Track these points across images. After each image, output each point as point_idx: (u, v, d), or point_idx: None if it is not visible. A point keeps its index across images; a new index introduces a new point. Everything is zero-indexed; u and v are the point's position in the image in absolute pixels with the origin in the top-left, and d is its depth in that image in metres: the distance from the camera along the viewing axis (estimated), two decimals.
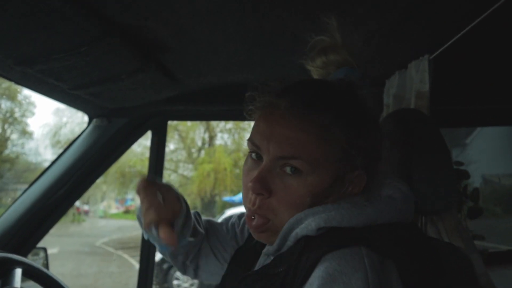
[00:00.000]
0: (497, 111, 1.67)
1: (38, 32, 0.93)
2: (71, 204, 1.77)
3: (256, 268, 0.86)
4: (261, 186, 0.74)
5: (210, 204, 16.57)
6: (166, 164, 16.99)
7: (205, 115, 1.89)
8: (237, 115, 1.84)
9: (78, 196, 1.78)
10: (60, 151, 1.80)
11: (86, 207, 20.79)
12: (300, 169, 0.72)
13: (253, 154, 0.79)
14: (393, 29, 1.16)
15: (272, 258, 0.80)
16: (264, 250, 0.83)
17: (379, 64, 1.46)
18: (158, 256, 8.22)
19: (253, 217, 0.78)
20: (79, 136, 1.76)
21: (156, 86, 1.48)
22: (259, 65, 1.41)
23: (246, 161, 0.82)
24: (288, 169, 0.73)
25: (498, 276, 1.73)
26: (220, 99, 1.70)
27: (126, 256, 11.45)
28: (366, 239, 0.69)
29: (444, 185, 0.95)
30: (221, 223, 1.09)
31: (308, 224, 0.72)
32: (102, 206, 22.29)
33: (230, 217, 1.11)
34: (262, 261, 0.86)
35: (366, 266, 0.64)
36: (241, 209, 0.97)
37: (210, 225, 1.08)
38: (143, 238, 1.85)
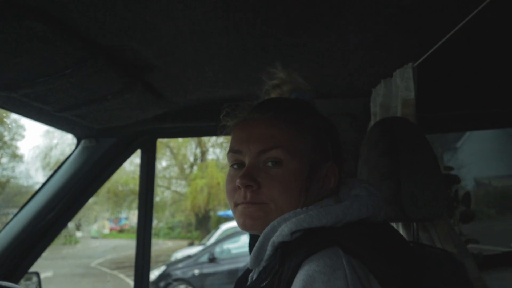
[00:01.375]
0: (482, 116, 1.69)
1: (21, 57, 0.93)
2: (62, 226, 1.75)
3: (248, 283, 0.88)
4: (249, 179, 0.79)
5: (205, 219, 16.45)
6: (159, 182, 16.88)
7: (195, 131, 1.89)
8: (226, 130, 1.86)
9: (69, 218, 1.76)
10: (51, 173, 1.78)
11: (79, 233, 20.55)
12: (280, 158, 0.80)
13: (235, 165, 0.85)
14: (376, 39, 1.17)
15: (256, 273, 0.83)
16: (248, 263, 0.85)
17: (364, 74, 1.47)
18: (154, 275, 8.13)
19: (247, 205, 0.81)
20: (68, 157, 1.74)
21: (143, 105, 1.48)
22: (245, 80, 1.41)
23: (228, 175, 0.87)
24: (270, 163, 0.81)
25: (494, 279, 1.73)
26: (209, 115, 1.70)
27: (122, 275, 11.28)
28: (339, 240, 0.72)
29: (433, 192, 0.95)
30: None
31: (282, 230, 0.76)
32: (95, 226, 22.03)
33: None
34: (251, 275, 0.88)
35: (344, 265, 0.66)
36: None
37: None
38: (137, 256, 1.83)
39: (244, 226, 0.83)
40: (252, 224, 0.82)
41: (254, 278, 0.85)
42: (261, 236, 0.79)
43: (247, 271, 0.97)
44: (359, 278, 0.66)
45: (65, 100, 1.22)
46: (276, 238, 0.77)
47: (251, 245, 1.03)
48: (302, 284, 0.65)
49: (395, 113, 1.38)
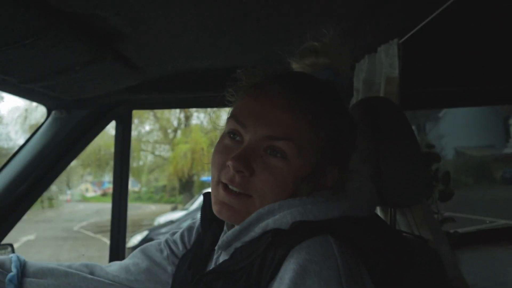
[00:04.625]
0: (464, 93, 1.67)
1: None
2: (34, 199, 1.70)
3: (212, 266, 0.81)
4: (243, 164, 0.71)
5: (188, 184, 16.53)
6: (142, 146, 16.79)
7: (171, 103, 1.82)
8: (205, 102, 1.80)
9: (42, 190, 1.71)
10: (22, 143, 1.72)
11: (67, 196, 20.47)
12: (285, 152, 0.71)
13: (232, 135, 0.76)
14: (362, 12, 1.12)
15: (226, 254, 0.76)
16: (219, 243, 0.78)
17: (346, 46, 1.42)
18: (136, 239, 8.19)
19: (230, 194, 0.73)
20: (38, 128, 1.67)
21: (116, 76, 1.40)
22: (223, 51, 1.35)
23: (219, 142, 0.78)
24: (271, 152, 0.72)
25: (469, 259, 1.76)
26: (186, 86, 1.64)
27: (105, 239, 11.36)
28: (332, 228, 0.68)
29: (412, 179, 0.92)
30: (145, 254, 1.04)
31: (283, 216, 0.70)
32: (78, 189, 21.98)
33: (159, 241, 1.06)
34: (216, 257, 0.82)
35: (336, 253, 0.62)
36: None
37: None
38: (112, 219, 1.79)
39: (219, 214, 0.76)
40: (229, 216, 0.75)
41: (220, 261, 0.78)
42: (253, 215, 0.72)
43: (197, 253, 0.89)
44: (350, 267, 0.62)
45: (28, 71, 1.14)
46: (272, 222, 0.70)
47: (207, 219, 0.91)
48: (292, 273, 0.61)
49: (378, 90, 1.34)
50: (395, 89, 1.26)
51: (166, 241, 1.04)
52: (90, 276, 0.99)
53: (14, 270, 0.93)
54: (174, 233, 1.06)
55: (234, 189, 0.73)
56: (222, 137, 0.78)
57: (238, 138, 0.75)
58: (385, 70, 1.29)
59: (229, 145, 0.76)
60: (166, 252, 1.02)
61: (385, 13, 1.14)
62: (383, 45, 1.32)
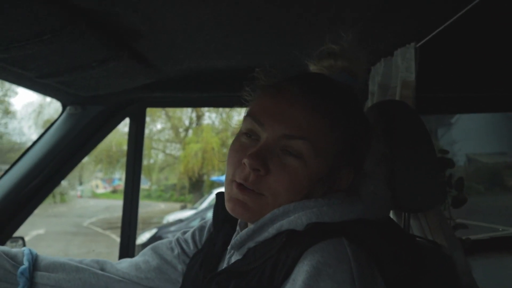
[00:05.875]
0: (481, 99, 1.65)
1: None
2: (47, 193, 1.72)
3: (225, 266, 0.81)
4: (259, 162, 0.70)
5: (198, 183, 16.58)
6: (154, 144, 16.87)
7: (185, 101, 1.82)
8: (218, 102, 1.81)
9: (55, 185, 1.72)
10: (36, 138, 1.73)
11: (78, 192, 20.65)
12: (302, 152, 0.71)
13: (248, 134, 0.75)
14: (378, 15, 1.11)
15: (239, 254, 0.76)
16: (232, 243, 0.78)
17: (363, 50, 1.41)
18: (145, 237, 8.23)
19: (243, 191, 0.73)
20: (53, 123, 1.69)
21: (131, 74, 1.41)
22: (237, 52, 1.34)
23: (235, 140, 0.78)
24: (288, 152, 0.71)
25: (480, 266, 1.73)
26: (200, 85, 1.64)
27: (114, 236, 11.44)
28: (346, 231, 0.67)
29: (427, 184, 0.91)
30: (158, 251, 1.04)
31: (298, 218, 0.69)
32: (89, 186, 22.17)
33: (170, 240, 1.07)
34: (228, 257, 0.82)
35: (350, 257, 0.62)
36: None
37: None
38: (123, 215, 1.80)
39: (232, 211, 0.75)
40: (242, 213, 0.74)
41: (232, 261, 0.78)
42: (268, 216, 0.72)
43: (207, 253, 0.89)
44: (364, 271, 0.62)
45: (45, 66, 1.15)
46: (287, 223, 0.70)
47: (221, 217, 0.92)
48: (306, 275, 0.60)
49: (394, 93, 1.33)
50: (411, 93, 1.25)
51: (177, 240, 1.04)
52: (100, 272, 0.99)
53: (26, 263, 0.94)
54: (185, 232, 1.07)
55: (248, 187, 0.73)
56: (238, 136, 0.78)
57: (254, 136, 0.75)
58: (401, 74, 1.28)
59: (245, 144, 0.75)
60: (177, 250, 1.02)
61: (402, 17, 1.12)
62: (399, 49, 1.31)
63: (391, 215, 1.15)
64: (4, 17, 0.85)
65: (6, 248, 0.97)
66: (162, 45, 1.24)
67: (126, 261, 1.04)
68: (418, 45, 1.24)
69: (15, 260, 0.94)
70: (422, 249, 0.91)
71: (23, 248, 0.99)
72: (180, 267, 1.00)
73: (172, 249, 1.03)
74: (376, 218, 0.73)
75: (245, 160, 0.71)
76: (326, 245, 0.63)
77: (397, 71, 1.30)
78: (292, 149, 0.71)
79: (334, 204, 0.71)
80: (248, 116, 0.77)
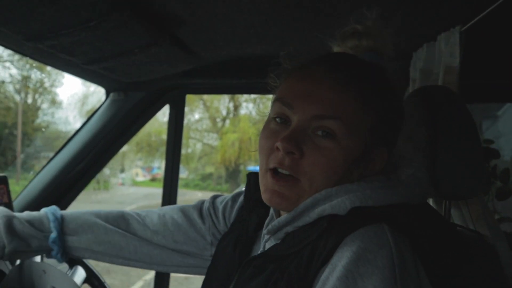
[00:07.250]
0: None
1: (45, 7, 0.90)
2: (90, 178, 1.79)
3: (261, 250, 0.81)
4: (293, 145, 0.69)
5: (235, 173, 16.75)
6: (191, 134, 17.16)
7: (224, 88, 1.84)
8: (257, 88, 1.81)
9: (98, 170, 1.79)
10: (81, 124, 1.80)
11: (119, 180, 21.29)
12: (335, 131, 0.69)
13: (278, 119, 0.74)
14: None
15: (275, 238, 0.76)
16: (269, 228, 0.76)
17: (405, 35, 1.37)
18: None
19: (279, 180, 0.72)
20: (97, 110, 1.75)
21: (172, 60, 1.44)
22: (277, 37, 1.34)
23: (265, 128, 0.77)
24: (321, 132, 0.70)
25: None
26: (239, 72, 1.65)
27: None
28: (387, 216, 0.66)
29: (471, 170, 0.88)
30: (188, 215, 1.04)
31: (341, 202, 0.68)
32: (129, 174, 22.83)
33: (199, 205, 1.07)
34: (264, 241, 0.81)
35: (391, 242, 0.61)
36: None
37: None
38: (163, 203, 1.84)
39: (269, 202, 0.74)
40: (280, 203, 0.73)
41: (268, 245, 0.78)
42: (309, 200, 0.70)
43: (243, 237, 0.88)
44: (404, 256, 0.61)
45: (91, 52, 1.19)
46: (330, 208, 0.69)
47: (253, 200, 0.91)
48: (346, 260, 0.60)
49: (436, 80, 1.29)
50: (454, 79, 1.20)
51: (208, 211, 1.04)
52: (129, 234, 1.01)
53: (54, 232, 0.96)
54: (215, 198, 1.07)
55: (284, 171, 0.71)
56: (268, 122, 0.77)
57: (285, 121, 0.73)
58: (444, 59, 1.24)
59: (276, 129, 0.74)
60: (208, 223, 1.03)
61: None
62: (443, 33, 1.26)
63: (431, 203, 1.13)
64: (55, 5, 0.88)
65: (27, 215, 0.98)
66: (202, 31, 1.26)
67: (155, 218, 1.04)
68: (463, 29, 1.19)
69: (42, 228, 0.97)
70: (464, 238, 0.88)
71: (45, 211, 1.00)
72: (210, 238, 1.02)
73: (203, 220, 1.03)
74: (417, 202, 0.72)
75: (278, 144, 0.69)
76: (366, 231, 0.63)
77: (440, 57, 1.26)
78: (325, 129, 0.70)
79: (377, 188, 0.69)
80: (276, 101, 0.75)
